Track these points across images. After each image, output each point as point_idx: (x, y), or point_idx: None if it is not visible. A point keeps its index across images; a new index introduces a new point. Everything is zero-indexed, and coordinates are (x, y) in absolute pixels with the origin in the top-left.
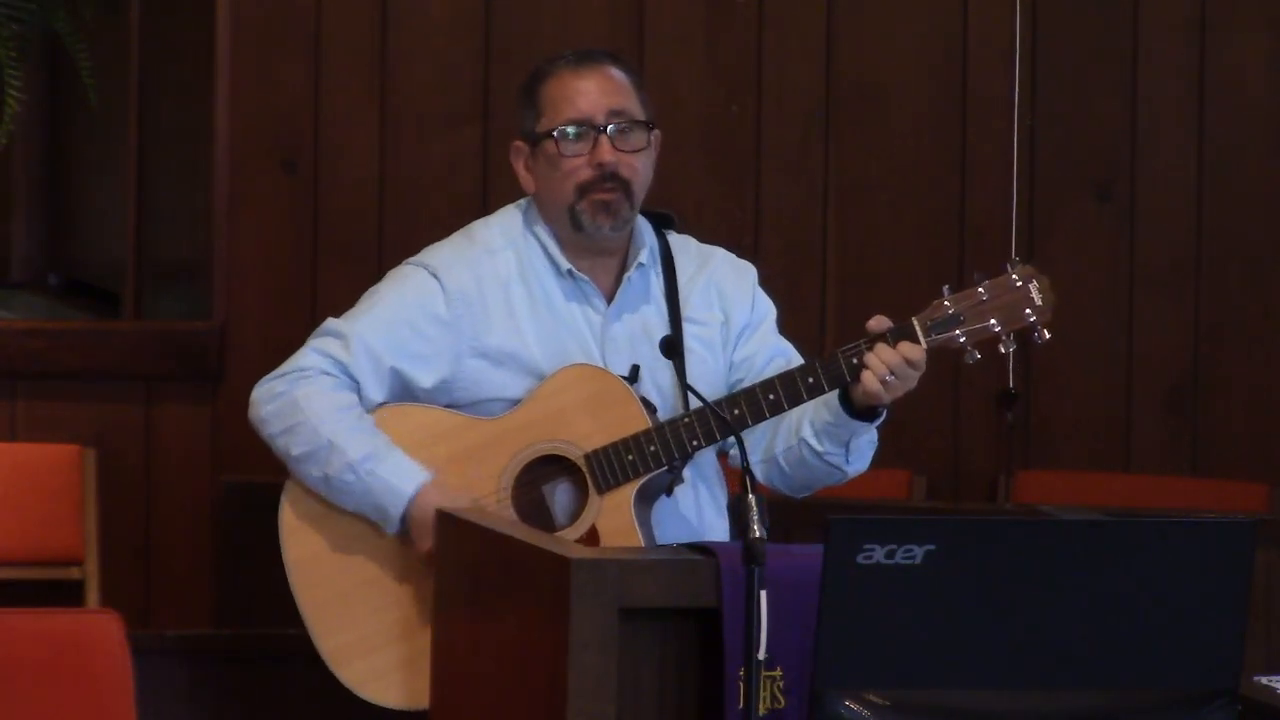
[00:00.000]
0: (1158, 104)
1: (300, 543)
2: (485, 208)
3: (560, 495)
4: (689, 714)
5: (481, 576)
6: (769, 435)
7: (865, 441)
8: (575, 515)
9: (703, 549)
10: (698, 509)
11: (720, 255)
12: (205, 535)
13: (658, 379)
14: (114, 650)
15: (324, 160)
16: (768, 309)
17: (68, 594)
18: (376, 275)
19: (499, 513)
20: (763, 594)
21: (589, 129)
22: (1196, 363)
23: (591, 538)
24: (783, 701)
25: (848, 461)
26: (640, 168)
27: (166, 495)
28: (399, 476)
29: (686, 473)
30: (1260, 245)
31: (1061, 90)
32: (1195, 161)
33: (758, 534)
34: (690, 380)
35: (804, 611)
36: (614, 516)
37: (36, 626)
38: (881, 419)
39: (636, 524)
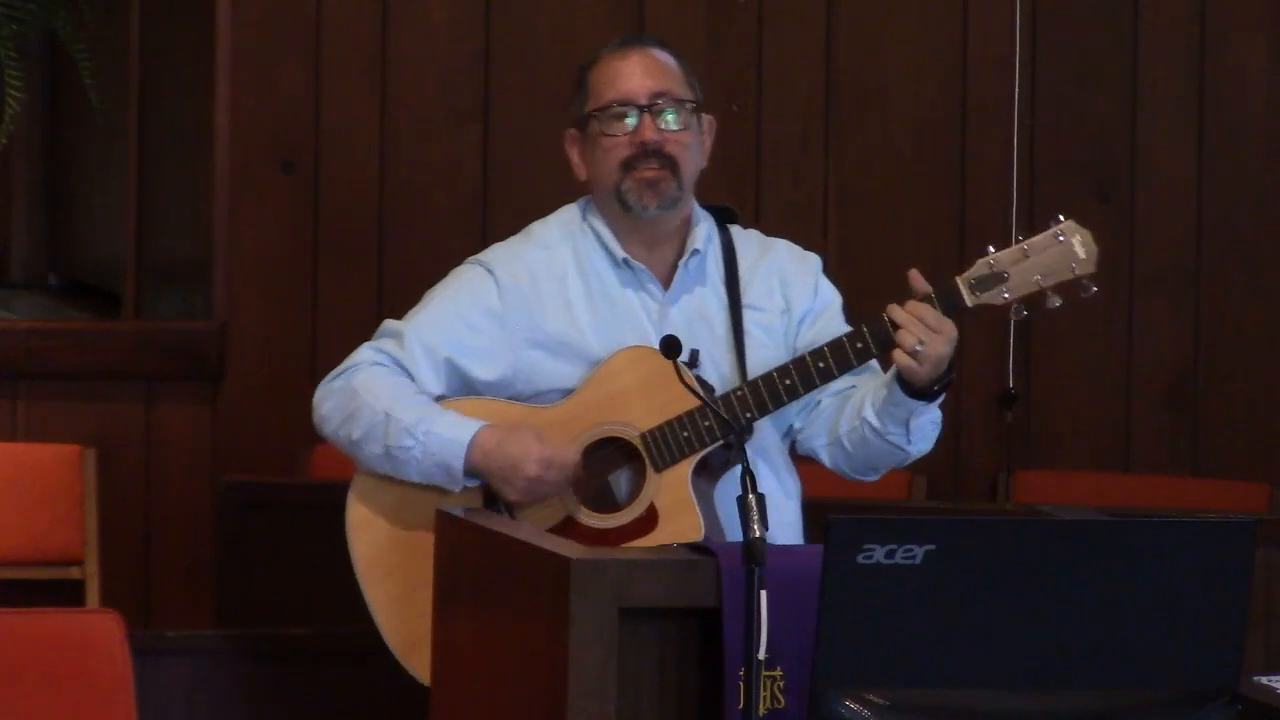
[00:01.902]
0: (1158, 104)
1: (367, 538)
2: (485, 207)
3: (621, 476)
4: (689, 714)
5: (482, 576)
6: (834, 416)
7: (927, 421)
8: (635, 495)
9: (703, 549)
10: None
11: (783, 245)
12: (205, 535)
13: (718, 363)
14: (114, 650)
15: (324, 160)
16: (831, 296)
17: (68, 594)
18: (377, 275)
19: (563, 494)
20: (763, 594)
21: (632, 108)
22: (1196, 363)
23: (650, 515)
24: (783, 701)
25: (909, 442)
26: (688, 145)
27: (166, 495)
28: (455, 429)
29: (750, 453)
30: (1260, 245)
31: (1061, 91)
32: (1195, 161)
33: (758, 534)
34: (751, 366)
35: (804, 611)
36: (672, 493)
37: (36, 626)
38: (940, 399)
39: (695, 499)
